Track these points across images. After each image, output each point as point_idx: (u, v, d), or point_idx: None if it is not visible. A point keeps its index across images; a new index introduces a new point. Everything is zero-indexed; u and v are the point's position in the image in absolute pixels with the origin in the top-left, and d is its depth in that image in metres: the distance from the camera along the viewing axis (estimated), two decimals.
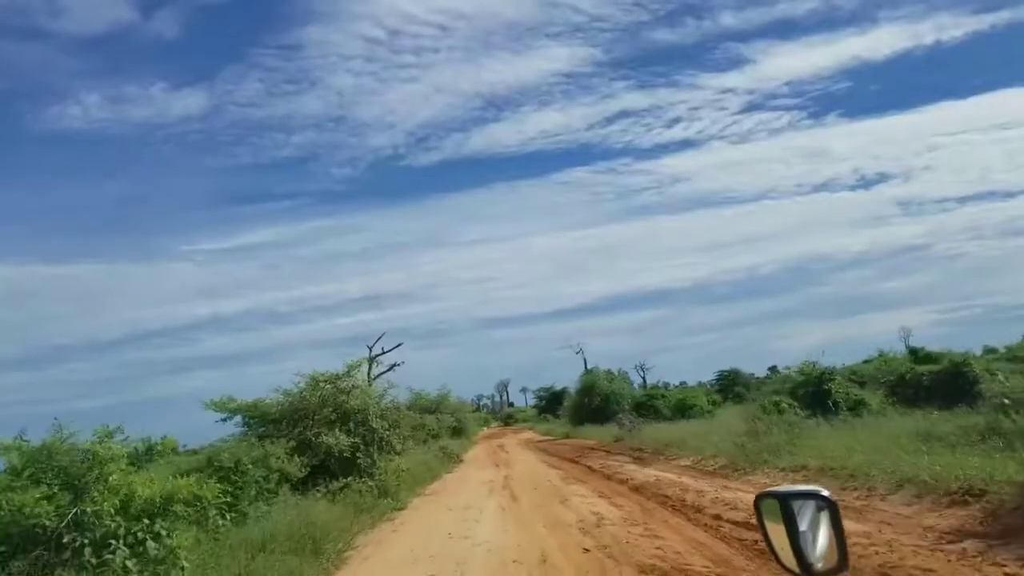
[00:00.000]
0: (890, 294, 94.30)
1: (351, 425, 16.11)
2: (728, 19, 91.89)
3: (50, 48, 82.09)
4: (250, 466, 12.06)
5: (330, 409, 16.11)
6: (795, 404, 19.33)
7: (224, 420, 15.63)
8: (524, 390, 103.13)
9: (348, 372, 17.30)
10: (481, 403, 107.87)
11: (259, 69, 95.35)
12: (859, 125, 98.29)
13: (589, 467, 20.75)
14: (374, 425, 16.63)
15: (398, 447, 17.72)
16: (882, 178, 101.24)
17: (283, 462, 13.18)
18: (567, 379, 70.62)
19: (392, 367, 30.10)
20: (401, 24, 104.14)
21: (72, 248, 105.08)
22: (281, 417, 15.62)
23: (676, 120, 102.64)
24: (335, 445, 15.06)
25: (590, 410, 41.41)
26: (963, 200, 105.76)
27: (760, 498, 2.09)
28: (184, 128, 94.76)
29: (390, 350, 32.27)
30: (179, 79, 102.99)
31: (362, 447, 15.87)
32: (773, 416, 17.83)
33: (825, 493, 1.93)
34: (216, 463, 11.91)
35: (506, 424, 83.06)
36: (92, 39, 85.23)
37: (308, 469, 14.11)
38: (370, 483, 15.20)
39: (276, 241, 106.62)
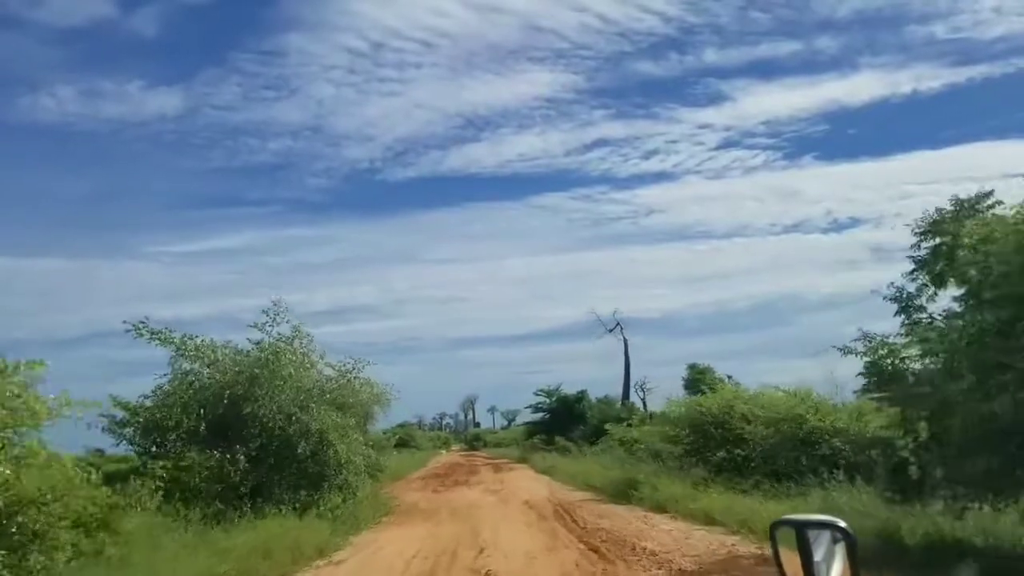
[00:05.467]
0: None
1: None
2: (711, 56, 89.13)
3: (27, 38, 76.57)
4: None
5: None
6: None
7: None
8: (492, 410, 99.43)
9: None
10: (444, 422, 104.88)
11: (238, 73, 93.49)
12: (834, 168, 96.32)
13: None
14: None
15: None
16: (854, 222, 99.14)
17: None
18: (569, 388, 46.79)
19: None
20: (385, 38, 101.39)
21: (36, 242, 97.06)
22: None
23: (653, 152, 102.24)
24: None
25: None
26: None
27: (776, 525, 1.97)
28: (158, 128, 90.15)
29: None
30: (156, 78, 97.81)
31: None
32: None
33: (843, 524, 1.82)
34: None
35: (472, 448, 68.62)
36: (70, 31, 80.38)
37: None
38: None
39: (245, 247, 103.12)
